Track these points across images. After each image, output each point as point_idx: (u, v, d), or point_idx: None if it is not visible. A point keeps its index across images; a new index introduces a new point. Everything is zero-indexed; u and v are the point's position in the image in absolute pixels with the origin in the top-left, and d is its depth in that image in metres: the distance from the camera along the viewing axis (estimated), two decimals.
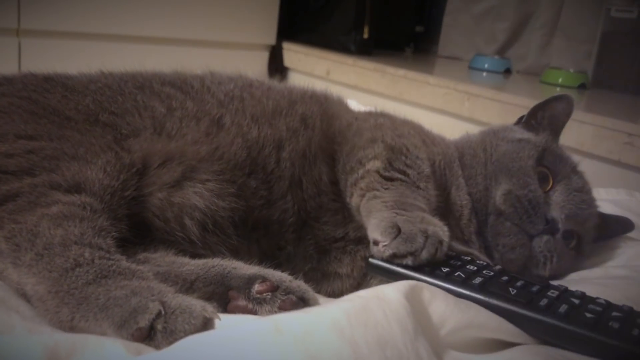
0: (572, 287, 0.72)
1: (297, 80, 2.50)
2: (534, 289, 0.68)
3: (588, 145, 1.52)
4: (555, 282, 0.76)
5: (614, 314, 0.64)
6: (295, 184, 0.86)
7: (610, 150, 1.50)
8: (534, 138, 0.93)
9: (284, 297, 0.65)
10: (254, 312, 0.65)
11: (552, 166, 0.89)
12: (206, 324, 0.56)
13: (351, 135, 0.90)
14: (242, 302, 0.66)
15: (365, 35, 2.43)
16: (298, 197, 0.86)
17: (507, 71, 2.49)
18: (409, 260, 0.69)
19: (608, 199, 1.16)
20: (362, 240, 0.85)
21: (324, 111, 0.94)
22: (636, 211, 1.11)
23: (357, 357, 0.51)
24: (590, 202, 0.91)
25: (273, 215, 0.84)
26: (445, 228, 0.74)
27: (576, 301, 0.66)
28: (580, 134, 1.51)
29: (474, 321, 0.63)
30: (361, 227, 0.82)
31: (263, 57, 2.53)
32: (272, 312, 0.64)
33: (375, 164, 0.84)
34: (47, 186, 0.69)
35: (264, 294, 0.65)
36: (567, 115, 0.97)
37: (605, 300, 0.67)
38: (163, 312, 0.56)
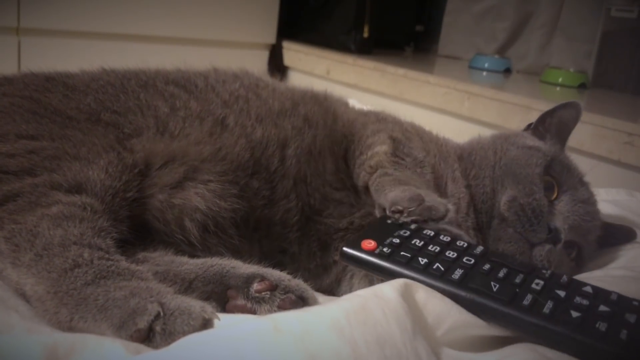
0: None
1: (297, 79, 2.50)
2: (518, 279, 0.65)
3: (588, 145, 1.52)
4: None
5: (602, 308, 0.61)
6: (300, 179, 0.86)
7: (610, 150, 1.50)
8: (543, 146, 0.93)
9: (283, 296, 0.65)
10: (253, 312, 0.65)
11: (558, 176, 0.89)
12: (205, 325, 0.56)
13: (357, 128, 0.94)
14: (241, 302, 0.66)
15: (365, 35, 2.42)
16: (302, 192, 0.86)
17: (507, 71, 2.48)
18: (430, 224, 0.75)
19: (608, 199, 1.16)
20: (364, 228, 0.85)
21: (326, 110, 0.95)
22: (636, 211, 1.11)
23: (357, 356, 0.51)
24: (594, 214, 0.90)
25: (275, 215, 0.84)
26: (454, 208, 0.79)
27: (562, 293, 0.63)
28: (580, 134, 1.51)
29: (471, 320, 0.63)
30: (368, 215, 0.85)
31: (263, 56, 2.53)
32: (271, 311, 0.64)
33: (382, 148, 0.88)
34: (47, 186, 0.69)
35: (263, 293, 0.65)
36: (575, 122, 0.97)
37: (592, 289, 0.65)
38: (162, 314, 0.56)
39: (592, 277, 0.85)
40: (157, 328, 0.55)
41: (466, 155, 0.96)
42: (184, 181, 0.79)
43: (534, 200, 0.85)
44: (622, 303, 0.63)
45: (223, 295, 0.67)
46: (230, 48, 2.40)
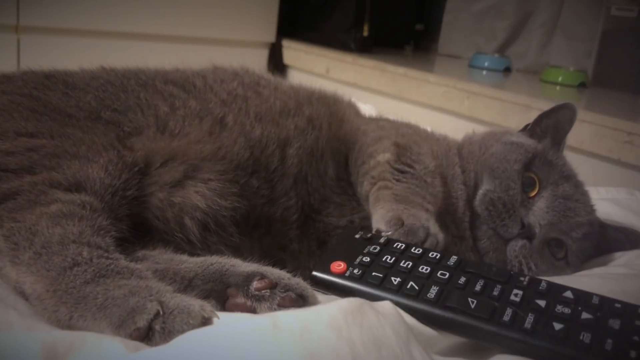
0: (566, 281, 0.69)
1: (296, 78, 2.49)
2: (495, 291, 0.63)
3: (588, 144, 1.52)
4: None
5: (584, 316, 0.60)
6: (300, 178, 0.86)
7: (610, 149, 1.50)
8: (527, 143, 0.93)
9: (283, 294, 0.65)
10: (252, 310, 0.65)
11: (540, 172, 0.89)
12: (204, 324, 0.56)
13: (359, 136, 0.93)
14: (240, 300, 0.65)
15: (365, 33, 2.42)
16: (302, 191, 0.86)
17: (507, 69, 2.48)
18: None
19: (608, 198, 1.16)
20: (364, 229, 0.85)
21: (332, 113, 0.95)
22: (636, 210, 1.10)
23: (355, 356, 0.51)
24: (579, 210, 0.88)
25: (275, 213, 0.84)
26: (442, 235, 0.76)
27: (542, 303, 0.61)
28: (580, 133, 1.51)
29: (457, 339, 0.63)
30: (368, 218, 0.84)
31: (263, 55, 2.53)
32: (271, 309, 0.64)
33: (385, 156, 0.87)
34: (47, 184, 0.69)
35: (263, 291, 0.65)
36: (570, 123, 0.96)
37: (573, 294, 0.63)
38: (161, 312, 0.56)
39: (592, 274, 0.85)
40: (157, 327, 0.55)
41: (461, 151, 0.97)
42: (184, 180, 0.79)
43: (508, 196, 0.85)
44: (605, 307, 0.62)
45: (223, 294, 0.67)
46: (229, 46, 2.40)
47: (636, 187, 1.26)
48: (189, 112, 0.85)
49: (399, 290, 0.65)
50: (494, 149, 0.91)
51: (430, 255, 0.70)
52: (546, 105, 1.64)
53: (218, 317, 0.58)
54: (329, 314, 0.54)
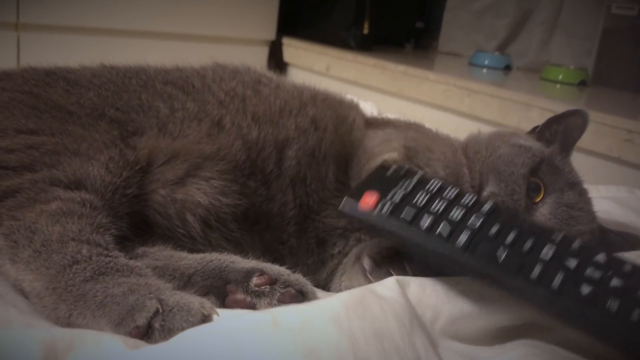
0: None
1: (296, 75, 2.49)
2: (527, 246, 0.61)
3: (588, 142, 1.52)
4: None
5: (614, 283, 0.57)
6: (299, 179, 0.86)
7: (610, 147, 1.50)
8: (535, 147, 0.91)
9: (283, 290, 0.64)
10: (252, 306, 0.64)
11: (546, 178, 0.87)
12: (204, 321, 0.56)
13: (366, 139, 0.91)
14: (240, 296, 0.65)
15: (366, 31, 2.42)
16: (301, 192, 0.86)
17: (507, 68, 2.48)
18: None
19: (608, 196, 1.16)
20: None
21: (339, 116, 0.94)
22: (637, 209, 1.10)
23: (355, 350, 0.51)
24: (581, 219, 0.87)
25: (273, 209, 0.84)
26: None
27: (572, 263, 0.59)
28: None
29: (464, 310, 0.63)
30: None
31: (263, 53, 2.52)
32: (271, 305, 0.64)
33: (392, 155, 0.84)
34: (47, 182, 0.69)
35: (263, 287, 0.65)
36: (581, 130, 0.94)
37: (605, 258, 0.60)
38: (161, 310, 0.56)
39: None
40: (156, 324, 0.55)
41: (466, 150, 0.95)
42: (186, 177, 0.79)
43: (510, 200, 0.83)
44: (636, 275, 0.59)
45: (222, 290, 0.66)
46: (229, 44, 2.40)
47: (636, 186, 1.26)
48: (187, 115, 0.85)
49: (429, 232, 0.63)
50: (502, 151, 0.89)
51: (465, 198, 0.67)
52: (546, 104, 1.65)
53: (218, 314, 0.58)
54: (330, 308, 0.54)
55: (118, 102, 0.83)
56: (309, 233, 0.86)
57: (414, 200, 0.66)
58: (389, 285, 0.61)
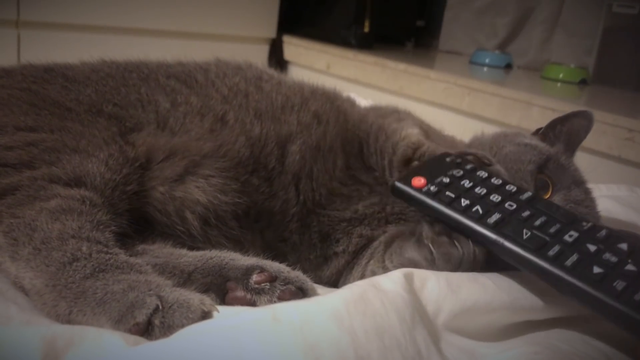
0: None
1: (297, 74, 2.49)
2: (553, 229, 0.66)
3: (588, 141, 1.50)
4: None
5: (629, 267, 0.60)
6: (304, 174, 0.86)
7: (610, 146, 1.50)
8: (541, 145, 0.91)
9: (283, 287, 0.64)
10: (252, 303, 0.64)
11: (553, 175, 0.87)
12: (204, 318, 0.56)
13: (371, 121, 0.93)
14: (240, 293, 0.65)
15: (366, 29, 2.42)
16: (307, 188, 0.86)
17: (508, 66, 2.48)
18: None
19: (609, 195, 1.16)
20: (366, 217, 0.86)
21: (336, 108, 0.94)
22: (637, 207, 1.10)
23: (356, 346, 0.51)
24: (588, 217, 0.86)
25: (275, 207, 0.84)
26: None
27: (592, 248, 0.63)
28: None
29: (467, 302, 0.63)
30: (372, 205, 0.86)
31: (263, 51, 2.52)
32: (271, 301, 0.63)
33: (415, 130, 0.88)
34: (46, 179, 0.69)
35: (263, 284, 0.65)
36: (586, 132, 0.95)
37: (628, 247, 0.63)
38: (160, 307, 0.56)
39: None
40: (156, 321, 0.55)
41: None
42: (185, 175, 0.79)
43: None
44: None
45: (222, 287, 0.66)
46: (230, 42, 2.40)
47: (637, 184, 1.26)
48: (190, 109, 0.85)
49: (464, 211, 0.70)
50: (508, 150, 0.90)
51: (507, 187, 0.74)
52: (547, 102, 1.65)
53: (218, 311, 0.58)
54: (329, 305, 0.54)
55: (116, 97, 0.83)
56: (312, 228, 0.86)
57: (458, 185, 0.74)
58: (394, 278, 0.61)
